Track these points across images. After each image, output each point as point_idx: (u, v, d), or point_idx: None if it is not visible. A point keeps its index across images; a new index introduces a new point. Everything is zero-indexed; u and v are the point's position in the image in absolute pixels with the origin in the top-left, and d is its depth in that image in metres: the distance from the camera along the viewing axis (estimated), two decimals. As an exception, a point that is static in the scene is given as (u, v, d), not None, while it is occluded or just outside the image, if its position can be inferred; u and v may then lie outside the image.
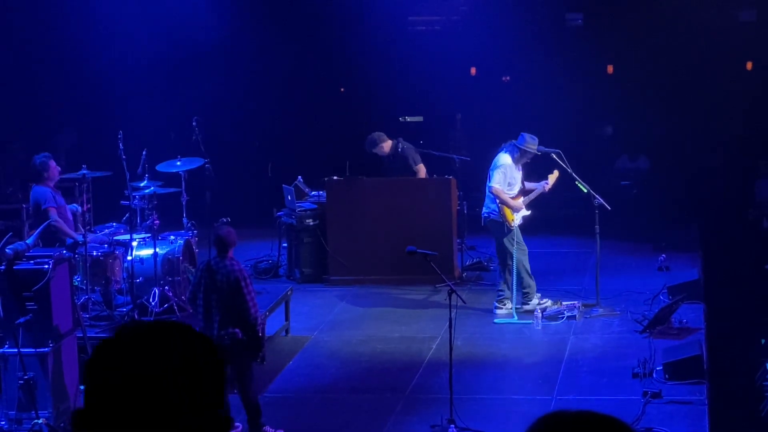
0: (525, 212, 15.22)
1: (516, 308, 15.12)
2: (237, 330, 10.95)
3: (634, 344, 13.75)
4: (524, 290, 15.24)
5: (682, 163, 21.90)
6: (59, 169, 14.41)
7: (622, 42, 22.43)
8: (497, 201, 15.03)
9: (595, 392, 12.24)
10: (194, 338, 2.33)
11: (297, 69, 22.06)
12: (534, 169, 15.53)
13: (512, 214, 15.04)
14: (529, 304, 15.19)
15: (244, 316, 10.96)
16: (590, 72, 22.71)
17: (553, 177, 15.23)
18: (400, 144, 17.21)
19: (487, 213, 15.26)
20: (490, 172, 15.17)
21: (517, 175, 15.17)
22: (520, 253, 15.16)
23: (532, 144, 14.98)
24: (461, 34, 22.48)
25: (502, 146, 15.27)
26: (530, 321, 14.77)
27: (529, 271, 15.28)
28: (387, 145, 17.19)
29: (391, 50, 21.76)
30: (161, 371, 2.24)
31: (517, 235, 15.18)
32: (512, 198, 15.08)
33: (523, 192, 15.24)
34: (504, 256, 15.18)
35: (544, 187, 15.22)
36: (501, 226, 15.11)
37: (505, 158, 15.07)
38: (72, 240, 13.89)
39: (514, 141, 15.10)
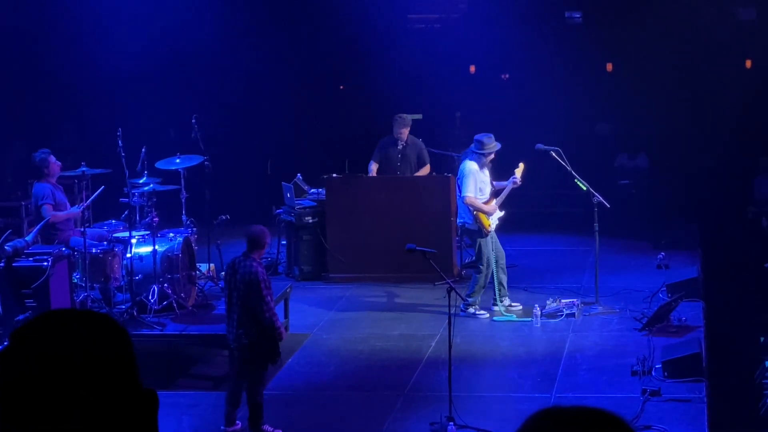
0: (499, 214, 15.17)
1: (466, 306, 15.10)
2: (252, 330, 11.03)
3: (633, 342, 13.74)
4: (474, 293, 15.18)
5: (681, 162, 21.91)
6: (60, 164, 14.40)
7: (622, 40, 22.43)
8: (471, 210, 14.99)
9: (594, 390, 12.25)
10: (91, 321, 2.32)
11: (296, 66, 22.06)
12: (513, 165, 15.52)
13: (488, 220, 14.99)
14: (471, 308, 15.16)
15: (260, 318, 10.98)
16: (589, 70, 22.71)
17: (519, 170, 15.20)
18: (403, 143, 17.24)
19: (462, 222, 15.24)
20: (459, 182, 15.13)
21: (486, 178, 15.11)
22: (495, 255, 15.13)
23: (489, 144, 14.93)
24: (461, 32, 22.49)
25: (463, 154, 15.27)
26: (529, 319, 14.77)
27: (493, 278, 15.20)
28: (406, 132, 17.23)
29: (390, 48, 21.75)
30: (63, 360, 2.22)
31: (494, 240, 15.15)
32: (485, 203, 15.04)
33: (494, 193, 15.20)
34: (485, 260, 15.10)
35: (514, 182, 15.17)
36: (478, 233, 15.07)
37: (470, 165, 15.02)
38: (72, 224, 13.95)
39: (472, 147, 15.05)
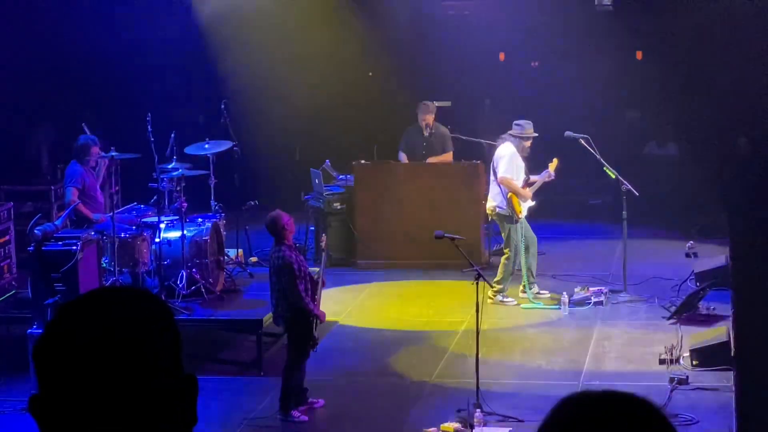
0: (530, 203, 15.17)
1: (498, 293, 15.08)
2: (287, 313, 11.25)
3: (661, 330, 13.72)
4: (502, 279, 15.15)
5: (710, 150, 21.78)
6: (102, 155, 14.45)
7: (652, 27, 22.30)
8: (505, 193, 14.95)
9: (621, 378, 12.22)
10: (142, 300, 2.28)
11: (325, 53, 22.03)
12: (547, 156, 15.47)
13: (520, 206, 14.95)
14: (499, 295, 15.11)
15: (292, 302, 11.09)
16: (619, 57, 22.58)
17: (553, 165, 15.18)
18: (429, 131, 17.25)
19: (494, 207, 15.20)
20: (495, 164, 15.10)
21: (521, 163, 15.11)
22: (527, 241, 15.10)
23: (528, 129, 14.98)
24: (490, 19, 22.39)
25: (499, 139, 15.24)
26: (557, 306, 14.76)
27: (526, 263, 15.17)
28: (431, 119, 17.24)
29: (419, 35, 21.70)
30: (112, 339, 2.18)
31: (525, 226, 15.12)
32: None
33: (528, 183, 15.18)
34: (514, 247, 15.08)
35: (547, 175, 15.16)
36: (508, 219, 15.05)
37: (508, 147, 15.00)
38: (92, 220, 13.99)
39: (510, 132, 15.06)
